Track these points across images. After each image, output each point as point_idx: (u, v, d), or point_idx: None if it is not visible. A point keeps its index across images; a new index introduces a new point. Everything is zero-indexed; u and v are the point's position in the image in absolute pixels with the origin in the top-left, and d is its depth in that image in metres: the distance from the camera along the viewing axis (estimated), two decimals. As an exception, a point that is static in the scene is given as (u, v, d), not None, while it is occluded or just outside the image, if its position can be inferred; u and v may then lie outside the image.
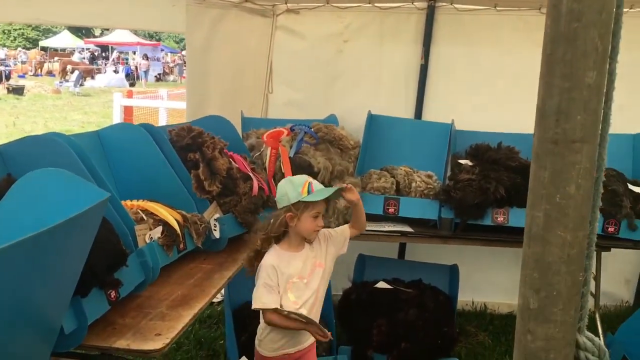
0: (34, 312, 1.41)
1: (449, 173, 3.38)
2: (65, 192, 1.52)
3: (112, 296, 1.93)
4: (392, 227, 3.30)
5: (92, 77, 25.79)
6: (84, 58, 31.87)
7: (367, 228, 3.28)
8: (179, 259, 2.47)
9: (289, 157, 3.30)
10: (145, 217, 2.36)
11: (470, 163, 3.33)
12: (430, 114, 3.85)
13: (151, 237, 2.31)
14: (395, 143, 3.67)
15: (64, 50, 34.03)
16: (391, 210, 3.31)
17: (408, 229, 3.29)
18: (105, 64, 30.27)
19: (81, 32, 35.19)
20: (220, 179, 2.73)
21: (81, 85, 22.30)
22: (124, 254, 1.97)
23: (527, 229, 0.95)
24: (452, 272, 3.52)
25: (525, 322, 0.97)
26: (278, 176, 3.26)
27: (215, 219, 2.68)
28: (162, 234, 2.36)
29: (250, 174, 2.91)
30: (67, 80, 23.31)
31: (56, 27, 32.90)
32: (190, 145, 2.76)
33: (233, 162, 2.90)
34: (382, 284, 3.37)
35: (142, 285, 2.18)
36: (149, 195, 2.63)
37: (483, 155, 3.32)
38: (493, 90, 3.83)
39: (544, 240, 0.93)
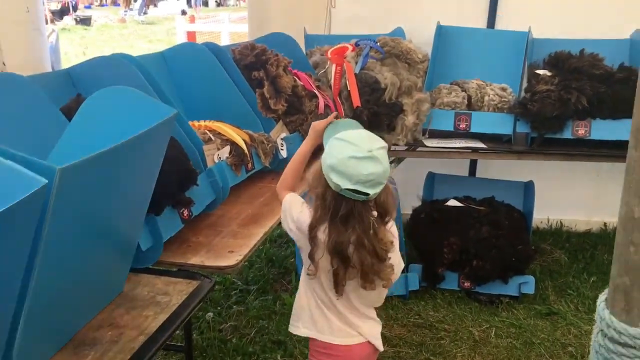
0: (111, 228, 1.43)
1: (525, 85, 3.18)
2: (134, 110, 1.50)
3: (185, 214, 1.95)
4: (464, 143, 3.17)
5: (155, 5, 25.85)
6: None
7: (438, 145, 3.18)
8: (248, 178, 2.46)
9: (355, 74, 3.19)
10: (212, 137, 2.35)
11: (549, 73, 3.11)
12: (505, 23, 3.59)
13: (219, 157, 2.30)
14: (467, 55, 3.46)
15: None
16: (462, 125, 3.17)
17: (480, 144, 3.15)
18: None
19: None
20: (285, 97, 2.66)
21: (145, 13, 22.43)
22: (194, 173, 1.97)
23: (634, 129, 0.84)
24: (527, 188, 3.38)
25: (628, 232, 0.89)
26: (344, 93, 3.17)
27: (282, 138, 2.64)
28: (230, 154, 2.35)
29: (316, 92, 2.83)
30: (131, 9, 23.49)
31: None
32: (254, 63, 2.69)
33: (298, 80, 2.82)
34: (452, 202, 3.29)
35: (213, 204, 2.19)
36: (215, 115, 2.61)
37: (563, 64, 3.09)
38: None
39: (654, 141, 0.82)
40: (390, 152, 3.27)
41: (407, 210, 3.53)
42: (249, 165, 2.45)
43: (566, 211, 3.87)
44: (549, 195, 3.66)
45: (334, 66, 3.22)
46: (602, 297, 0.97)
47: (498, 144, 3.18)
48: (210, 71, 2.63)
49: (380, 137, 3.14)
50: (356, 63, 3.26)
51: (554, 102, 2.95)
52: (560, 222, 3.89)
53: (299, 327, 1.81)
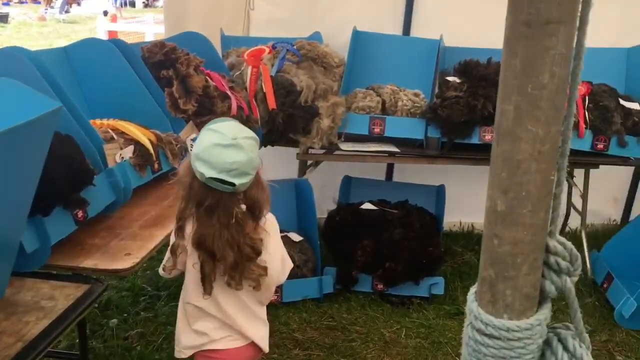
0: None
1: (436, 91, 3.26)
2: (14, 102, 1.41)
3: (80, 216, 1.86)
4: (378, 147, 3.22)
5: (78, 4, 24.92)
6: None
7: (353, 148, 3.21)
8: (155, 179, 2.39)
9: (271, 76, 3.17)
10: (115, 137, 2.26)
11: (458, 80, 3.21)
12: (419, 30, 3.68)
13: (122, 157, 2.22)
14: (382, 61, 3.52)
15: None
16: (377, 130, 3.21)
17: (394, 149, 3.20)
18: (92, -10, 29.14)
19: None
20: (196, 97, 2.61)
21: (66, 12, 21.56)
22: (90, 172, 1.89)
23: (496, 125, 0.86)
24: (439, 192, 3.47)
25: (492, 225, 0.91)
26: (260, 95, 3.14)
27: (192, 139, 2.58)
28: (134, 154, 2.27)
29: (229, 93, 2.79)
30: (52, 7, 22.54)
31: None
32: (163, 61, 2.62)
33: (210, 80, 2.78)
34: (367, 205, 3.32)
35: (113, 205, 2.11)
36: (121, 114, 2.52)
37: (472, 71, 3.19)
38: (485, 2, 3.64)
39: (514, 136, 0.84)
40: (306, 155, 3.28)
41: (323, 214, 3.54)
42: (156, 165, 2.37)
43: (476, 214, 3.98)
44: (460, 199, 3.77)
45: (250, 68, 3.19)
46: (472, 290, 0.99)
47: (411, 149, 3.24)
48: (116, 68, 2.54)
49: (296, 140, 3.17)
50: (272, 65, 3.24)
51: (462, 108, 3.04)
52: (472, 225, 4.02)
53: (181, 350, 1.76)
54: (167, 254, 1.67)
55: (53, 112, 1.38)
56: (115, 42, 2.58)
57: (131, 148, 2.27)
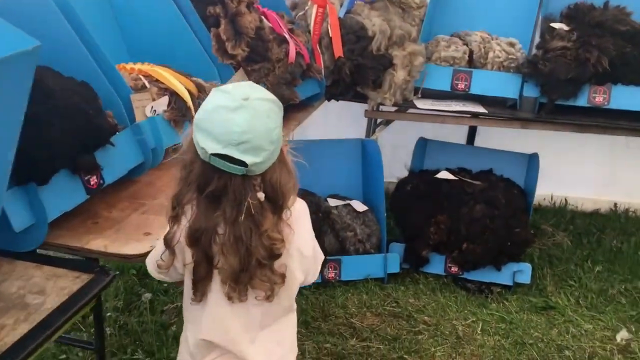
0: None
1: (538, 40, 2.70)
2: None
3: (92, 183, 1.52)
4: (462, 106, 2.72)
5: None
6: None
7: (432, 107, 2.72)
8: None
9: (339, 18, 2.70)
10: (148, 85, 1.90)
11: (566, 27, 2.63)
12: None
13: (154, 110, 1.86)
14: (471, 2, 2.96)
15: None
16: (461, 85, 2.70)
17: (481, 109, 2.69)
18: None
19: None
20: (247, 40, 2.20)
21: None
22: (105, 128, 1.53)
23: None
24: (531, 162, 2.94)
25: None
26: (325, 41, 2.69)
27: (241, 90, 2.18)
28: (168, 107, 1.90)
29: (287, 36, 2.36)
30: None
31: None
32: (210, -4, 2.21)
33: (265, 20, 2.35)
34: (444, 174, 2.85)
35: (140, 169, 1.77)
36: (161, 59, 2.15)
37: (584, 17, 2.60)
38: None
39: None
40: (375, 112, 2.83)
41: (391, 179, 3.11)
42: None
43: (572, 188, 3.44)
44: (554, 169, 3.23)
45: (315, 7, 2.73)
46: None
47: (501, 109, 2.72)
48: (158, 5, 2.15)
49: (364, 94, 2.72)
50: (341, 5, 2.77)
51: (569, 62, 2.48)
52: (565, 200, 3.47)
53: None
54: (160, 246, 1.25)
55: (28, 52, 1.01)
56: (155, -27, 2.19)
57: (166, 99, 1.90)
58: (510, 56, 2.69)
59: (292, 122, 2.42)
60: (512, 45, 2.73)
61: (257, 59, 2.26)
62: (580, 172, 3.39)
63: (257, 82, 2.24)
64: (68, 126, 1.39)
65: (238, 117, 1.09)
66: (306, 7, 2.78)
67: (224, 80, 2.17)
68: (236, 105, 1.09)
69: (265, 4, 2.45)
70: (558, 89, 2.51)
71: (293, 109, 2.47)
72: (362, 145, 3.01)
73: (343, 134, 3.12)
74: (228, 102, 1.10)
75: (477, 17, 2.91)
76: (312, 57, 2.64)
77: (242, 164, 1.10)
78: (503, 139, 3.23)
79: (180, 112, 1.92)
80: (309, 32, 2.71)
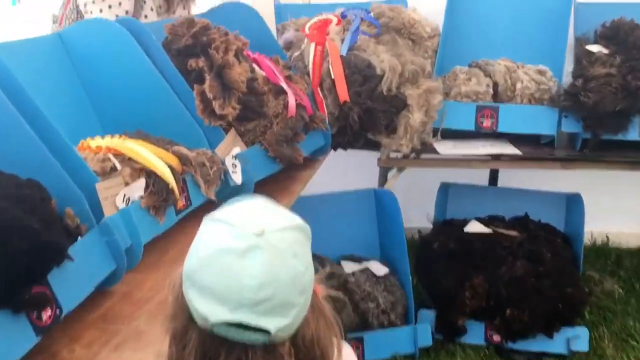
0: None
1: (571, 67, 2.35)
2: None
3: (45, 319, 1.13)
4: (490, 147, 2.35)
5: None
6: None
7: (456, 151, 2.36)
8: (183, 219, 1.65)
9: (341, 56, 2.35)
10: (119, 166, 1.52)
11: (605, 50, 2.28)
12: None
13: (127, 198, 1.48)
14: (489, 27, 2.62)
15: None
16: (487, 123, 2.35)
17: (513, 149, 2.33)
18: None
19: None
20: (237, 96, 1.83)
21: None
22: (56, 244, 1.15)
23: None
24: (573, 203, 2.57)
25: None
26: (327, 83, 2.33)
27: (234, 156, 1.82)
28: (146, 190, 1.53)
29: (284, 85, 1.99)
30: None
31: None
32: (191, 47, 1.85)
33: (258, 69, 1.99)
34: (475, 226, 2.48)
35: (113, 277, 1.38)
36: (139, 125, 1.80)
37: (625, 37, 2.26)
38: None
39: None
40: (390, 161, 2.46)
41: (411, 226, 2.74)
42: (180, 202, 1.63)
43: (613, 223, 3.07)
44: (591, 203, 2.83)
45: (312, 46, 2.38)
46: None
47: (535, 148, 2.36)
48: (127, 60, 1.79)
49: (376, 141, 2.35)
50: (343, 41, 2.42)
51: (615, 91, 2.13)
52: (607, 237, 3.10)
53: None
54: None
55: None
56: (125, 23, 1.82)
57: (142, 182, 1.52)
58: (541, 86, 2.34)
59: (296, 185, 2.05)
60: (542, 73, 2.38)
61: (251, 117, 1.90)
62: (621, 204, 3.02)
63: (252, 143, 1.91)
64: (1, 255, 1.01)
65: (251, 264, 0.72)
66: (302, 46, 2.43)
67: (212, 145, 1.81)
68: (247, 246, 0.73)
69: (255, 47, 2.09)
70: (605, 123, 2.15)
71: (296, 168, 2.10)
72: (375, 196, 2.63)
73: (352, 183, 2.75)
74: (234, 242, 0.73)
75: (498, 43, 2.57)
76: (314, 103, 2.29)
77: (263, 331, 0.72)
78: (528, 176, 2.86)
79: (161, 196, 1.54)
80: (308, 74, 2.36)
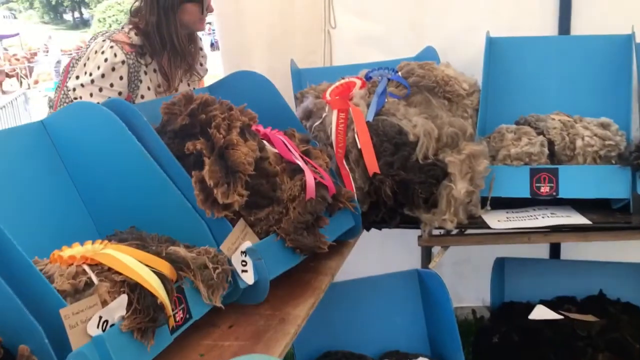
0: None
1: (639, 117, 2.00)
2: None
3: None
4: (551, 217, 1.98)
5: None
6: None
7: (511, 225, 2.00)
8: (181, 336, 1.34)
9: (367, 122, 2.06)
10: (95, 280, 1.23)
11: (680, 95, 1.92)
12: (586, 25, 2.43)
13: (105, 322, 1.19)
14: (537, 76, 2.30)
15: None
16: (545, 189, 1.99)
17: (581, 218, 1.95)
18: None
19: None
20: (244, 181, 1.54)
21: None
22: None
23: None
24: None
25: None
26: (353, 154, 2.04)
27: (243, 251, 1.51)
28: (128, 309, 1.22)
29: (300, 163, 1.70)
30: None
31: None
32: (189, 127, 1.59)
33: (269, 146, 1.71)
34: (542, 311, 2.08)
35: None
36: (130, 219, 1.54)
37: None
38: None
39: None
40: (433, 238, 2.11)
41: (462, 305, 2.36)
42: (177, 315, 1.32)
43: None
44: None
45: (335, 113, 2.11)
46: None
47: (606, 215, 1.98)
48: (115, 145, 1.54)
49: (417, 218, 2.03)
50: (368, 106, 2.13)
51: (701, 142, 1.76)
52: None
53: None
54: None
55: None
56: (112, 104, 1.58)
57: (123, 300, 1.22)
58: (607, 142, 1.98)
59: (322, 278, 1.72)
60: (605, 127, 2.03)
61: (263, 203, 1.60)
62: None
63: (266, 233, 1.61)
64: None
65: None
66: (324, 114, 2.16)
67: (219, 239, 1.51)
68: None
69: (268, 120, 1.83)
70: (692, 183, 1.77)
71: (322, 257, 1.79)
72: (419, 278, 2.27)
73: (392, 264, 2.40)
74: None
75: (548, 95, 2.25)
76: (339, 178, 1.99)
77: None
78: (596, 245, 2.46)
79: (147, 315, 1.24)
80: (331, 145, 2.07)
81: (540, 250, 2.53)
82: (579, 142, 2.00)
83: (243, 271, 1.51)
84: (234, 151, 1.55)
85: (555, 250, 2.50)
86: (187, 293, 1.37)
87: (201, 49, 2.25)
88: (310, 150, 1.84)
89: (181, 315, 1.34)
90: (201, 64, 2.25)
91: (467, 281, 2.62)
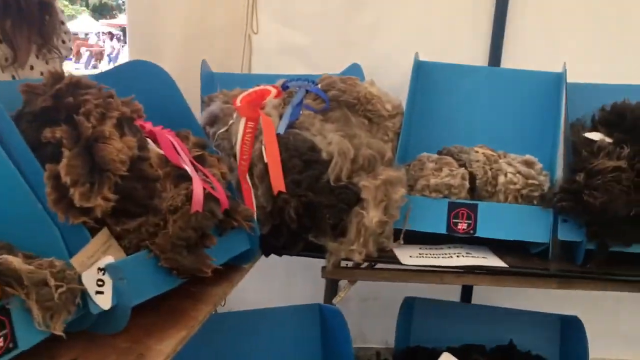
0: None
1: (566, 159, 1.88)
2: None
3: None
4: (466, 257, 1.82)
5: (110, 59, 24.52)
6: (101, 41, 30.40)
7: (422, 262, 1.82)
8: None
9: (278, 135, 1.84)
10: None
11: (608, 139, 1.82)
12: (518, 57, 2.33)
13: None
14: (463, 107, 2.17)
15: (85, 34, 32.48)
16: (462, 226, 1.83)
17: (497, 261, 1.80)
18: (123, 46, 28.90)
19: (100, 13, 34.28)
20: (114, 182, 1.27)
21: (94, 67, 21.17)
22: None
23: None
24: (569, 328, 2.03)
25: None
26: (258, 169, 1.80)
27: (101, 268, 1.23)
28: None
29: (188, 169, 1.45)
30: (79, 62, 22.19)
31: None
32: (51, 110, 1.31)
33: (153, 146, 1.45)
34: (447, 360, 1.90)
35: None
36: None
37: (635, 123, 1.81)
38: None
39: None
40: (339, 270, 1.88)
41: (363, 345, 2.15)
42: (-7, 346, 1.02)
43: (614, 348, 2.52)
44: (588, 324, 2.32)
45: (242, 121, 1.87)
46: None
47: (523, 260, 1.83)
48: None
49: (320, 245, 1.82)
50: (281, 117, 1.91)
51: (627, 189, 1.64)
52: (605, 365, 2.54)
53: None
54: None
55: None
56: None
57: None
58: (530, 181, 1.85)
59: (203, 307, 1.45)
60: (529, 165, 1.90)
61: (135, 212, 1.33)
62: (620, 327, 2.49)
63: (136, 248, 1.33)
64: None
65: None
66: (230, 121, 1.92)
67: (73, 251, 1.23)
68: None
69: (159, 118, 1.57)
70: (617, 232, 1.65)
71: (207, 282, 1.52)
72: (320, 314, 2.05)
73: (296, 296, 2.17)
74: None
75: (474, 128, 2.11)
76: (239, 194, 1.75)
77: None
78: (509, 291, 2.33)
79: (-56, 342, 0.93)
80: (235, 156, 1.83)
81: (452, 291, 2.36)
82: (501, 179, 1.86)
83: (98, 292, 1.23)
84: (104, 145, 1.27)
85: (467, 292, 2.34)
86: (14, 315, 1.07)
87: (63, 23, 1.97)
88: (206, 157, 1.59)
89: (1, 344, 1.05)
90: (63, 42, 1.96)
91: (375, 320, 2.42)
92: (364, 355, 2.46)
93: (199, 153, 1.56)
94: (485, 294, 2.43)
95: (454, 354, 1.92)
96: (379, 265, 1.89)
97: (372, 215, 1.75)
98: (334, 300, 2.06)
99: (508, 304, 2.21)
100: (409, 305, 2.13)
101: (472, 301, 2.38)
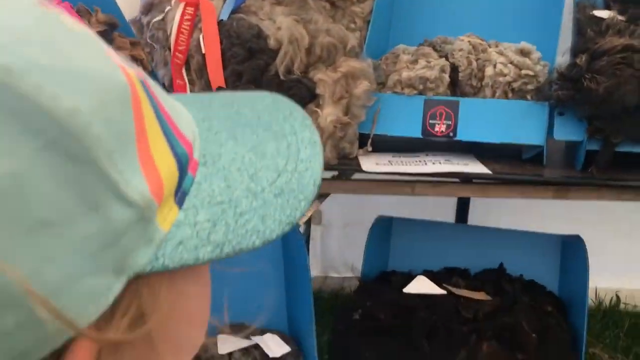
0: None
1: (571, 41, 1.55)
2: None
3: None
4: (443, 164, 1.53)
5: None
6: None
7: (388, 169, 1.54)
8: None
9: (220, 21, 1.54)
10: None
11: (620, 16, 1.48)
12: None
13: None
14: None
15: None
16: (440, 127, 1.53)
17: (480, 167, 1.50)
18: None
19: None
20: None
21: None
22: None
23: None
24: (571, 249, 1.74)
25: None
26: (195, 61, 1.52)
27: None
28: None
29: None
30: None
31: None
32: None
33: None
34: (420, 283, 1.63)
35: None
36: None
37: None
38: None
39: None
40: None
41: (348, 274, 1.92)
42: None
43: (626, 276, 2.23)
44: (596, 250, 2.03)
45: (181, 6, 1.58)
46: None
47: (513, 166, 1.53)
48: None
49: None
50: (225, 1, 1.61)
51: (638, 72, 1.31)
52: (617, 297, 2.25)
53: None
54: None
55: None
56: None
57: None
58: (523, 72, 1.52)
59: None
60: (525, 53, 1.56)
61: None
62: (636, 251, 2.19)
63: None
64: None
65: None
66: (167, 8, 1.62)
67: None
68: None
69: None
70: (624, 125, 1.33)
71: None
72: (282, 238, 1.79)
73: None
74: None
75: (461, 15, 1.77)
76: (170, 91, 1.48)
77: None
78: (508, 209, 2.05)
79: None
80: (169, 48, 1.55)
81: (443, 212, 2.08)
82: (488, 70, 1.54)
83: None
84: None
85: (461, 213, 2.06)
86: None
87: None
88: (114, 37, 1.31)
89: None
90: None
91: (356, 246, 2.17)
92: (341, 286, 2.23)
93: (102, 29, 1.27)
94: (484, 215, 2.15)
95: (432, 279, 1.66)
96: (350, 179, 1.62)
97: (327, 113, 1.46)
98: (298, 221, 1.81)
99: (509, 225, 1.92)
100: (382, 226, 1.86)
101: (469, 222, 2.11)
